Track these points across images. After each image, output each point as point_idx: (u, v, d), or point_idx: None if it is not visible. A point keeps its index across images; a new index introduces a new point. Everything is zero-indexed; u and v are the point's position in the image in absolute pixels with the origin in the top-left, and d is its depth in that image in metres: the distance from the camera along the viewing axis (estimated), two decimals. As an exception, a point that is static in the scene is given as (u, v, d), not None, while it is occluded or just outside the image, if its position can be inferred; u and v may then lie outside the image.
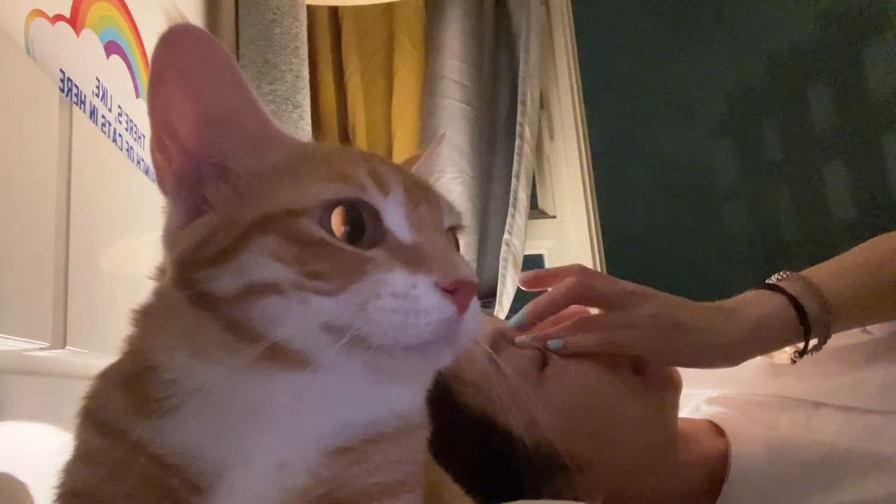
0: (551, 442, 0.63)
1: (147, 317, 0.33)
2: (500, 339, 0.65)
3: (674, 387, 0.70)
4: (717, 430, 0.76)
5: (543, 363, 0.65)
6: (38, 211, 0.62)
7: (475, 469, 0.45)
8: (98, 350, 0.60)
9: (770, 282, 0.70)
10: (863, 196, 2.08)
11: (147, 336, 0.33)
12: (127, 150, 0.85)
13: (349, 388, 0.31)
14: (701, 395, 0.85)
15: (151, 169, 0.96)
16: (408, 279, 0.30)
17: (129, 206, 0.83)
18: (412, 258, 0.31)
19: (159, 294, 0.33)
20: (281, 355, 0.29)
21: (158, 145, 0.33)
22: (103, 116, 0.78)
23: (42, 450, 0.35)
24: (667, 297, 0.67)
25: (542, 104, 1.73)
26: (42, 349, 0.60)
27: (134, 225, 0.82)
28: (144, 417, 0.30)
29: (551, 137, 1.77)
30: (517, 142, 1.56)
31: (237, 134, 0.33)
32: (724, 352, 0.65)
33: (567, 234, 1.72)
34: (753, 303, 0.67)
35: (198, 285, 0.30)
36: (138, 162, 0.88)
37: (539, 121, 1.67)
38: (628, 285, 0.67)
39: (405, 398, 0.34)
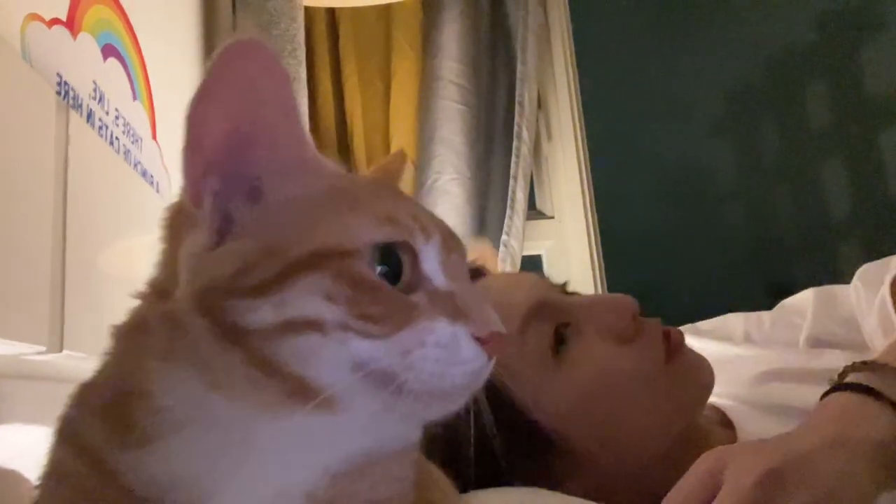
0: (548, 424, 0.63)
1: (138, 337, 0.31)
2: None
3: (701, 384, 0.68)
4: (725, 420, 0.75)
5: (561, 341, 0.65)
6: (35, 214, 0.62)
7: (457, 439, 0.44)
8: (95, 354, 0.60)
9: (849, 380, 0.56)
10: (860, 195, 2.08)
11: (138, 358, 0.31)
12: (124, 153, 0.85)
13: (366, 425, 0.31)
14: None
15: (148, 171, 0.96)
16: (450, 329, 0.31)
17: (125, 210, 0.83)
18: (451, 307, 0.32)
19: (162, 315, 0.30)
20: (306, 393, 0.29)
21: (192, 160, 0.31)
22: (100, 120, 0.78)
23: (39, 454, 0.35)
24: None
25: (540, 105, 1.73)
26: (39, 353, 0.60)
27: (131, 228, 0.82)
28: (123, 447, 0.29)
29: (549, 138, 1.77)
30: (515, 143, 1.56)
31: (276, 157, 0.32)
32: None
33: (565, 235, 1.72)
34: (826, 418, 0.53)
35: (228, 315, 0.29)
36: (135, 165, 0.88)
37: (537, 122, 1.68)
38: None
39: (416, 430, 0.35)
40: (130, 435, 0.29)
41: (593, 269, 1.70)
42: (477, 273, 0.73)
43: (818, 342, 0.83)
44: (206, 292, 0.29)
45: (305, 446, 0.30)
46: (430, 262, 0.33)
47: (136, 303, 0.34)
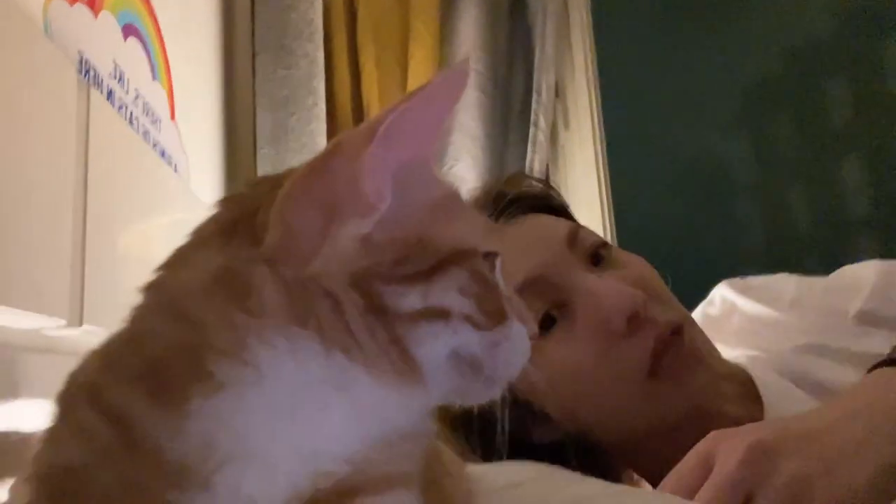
0: (520, 393, 0.61)
1: (224, 293, 0.31)
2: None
3: (685, 406, 0.63)
4: (752, 393, 0.70)
5: (550, 321, 0.64)
6: (56, 190, 0.63)
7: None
8: (115, 329, 0.61)
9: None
10: (878, 192, 2.06)
11: (219, 315, 0.31)
12: (143, 133, 0.85)
13: (428, 404, 0.35)
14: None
15: (167, 152, 0.97)
16: (521, 328, 0.37)
17: (145, 189, 0.84)
18: (517, 309, 0.37)
19: (288, 280, 0.31)
20: (410, 373, 0.32)
21: (389, 154, 0.33)
22: (120, 98, 0.79)
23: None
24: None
25: (558, 93, 1.72)
26: (59, 327, 0.61)
27: (150, 207, 0.83)
28: (169, 408, 0.30)
29: (566, 127, 1.76)
30: (531, 130, 1.55)
31: (420, 157, 0.36)
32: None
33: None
34: (862, 391, 0.52)
35: (380, 296, 0.32)
36: (154, 145, 0.89)
37: (554, 110, 1.67)
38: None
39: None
40: (188, 389, 0.30)
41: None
42: None
43: (871, 319, 0.76)
44: (363, 273, 0.32)
45: (377, 417, 0.33)
46: (498, 269, 0.38)
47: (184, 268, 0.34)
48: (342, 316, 0.31)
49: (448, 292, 0.33)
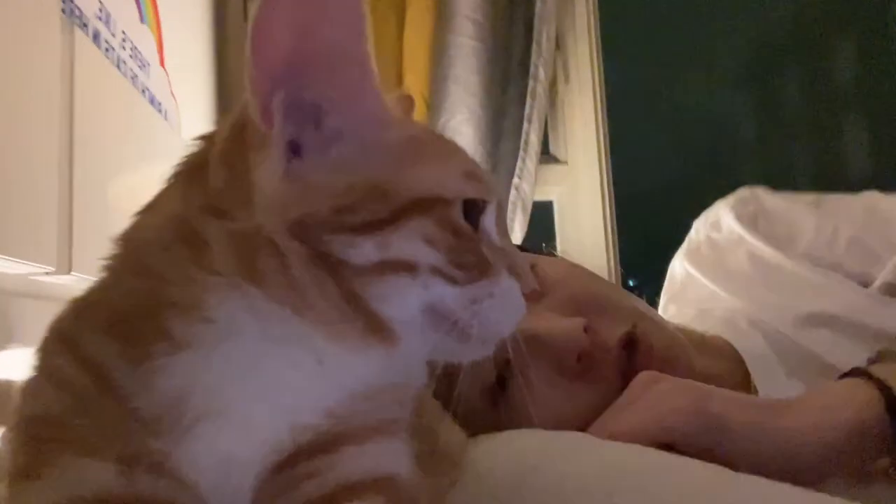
0: None
1: (185, 250, 0.30)
2: None
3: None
4: (741, 378, 0.65)
5: (503, 382, 0.57)
6: (41, 135, 0.61)
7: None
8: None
9: (861, 366, 0.52)
10: (882, 151, 2.04)
11: (178, 271, 0.30)
12: (131, 77, 0.83)
13: (409, 360, 0.33)
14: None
15: (156, 98, 0.94)
16: (511, 283, 0.34)
17: (134, 135, 0.82)
18: (509, 263, 0.34)
19: (233, 233, 0.29)
20: (375, 329, 0.30)
21: (258, 70, 0.30)
22: (106, 41, 0.76)
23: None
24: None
25: (558, 45, 1.68)
26: (48, 273, 0.61)
27: (139, 153, 0.81)
28: (138, 361, 0.29)
29: (566, 80, 1.73)
30: (530, 83, 1.52)
31: (346, 85, 0.32)
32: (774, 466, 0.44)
33: (577, 182, 1.69)
34: (825, 394, 0.50)
35: (325, 247, 0.29)
36: (143, 91, 0.86)
37: (554, 63, 1.63)
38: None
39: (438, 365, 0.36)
40: (153, 346, 0.29)
41: (604, 218, 1.69)
42: None
43: None
44: (302, 223, 0.29)
45: (349, 373, 0.31)
46: (490, 218, 0.35)
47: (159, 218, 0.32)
48: (287, 269, 0.29)
49: (411, 243, 0.30)
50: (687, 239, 0.90)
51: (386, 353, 0.31)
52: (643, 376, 0.54)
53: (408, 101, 0.46)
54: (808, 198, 0.80)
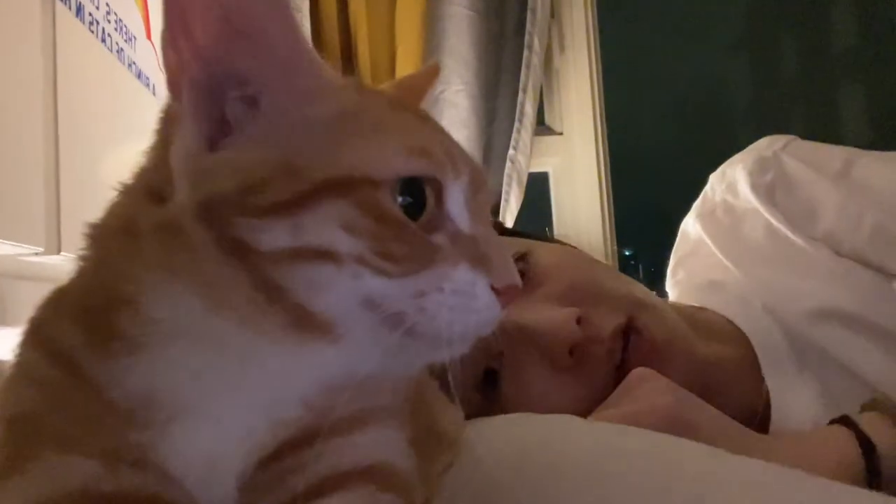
0: None
1: (126, 241, 0.29)
2: None
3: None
4: (750, 369, 0.63)
5: (494, 376, 0.57)
6: (24, 113, 0.60)
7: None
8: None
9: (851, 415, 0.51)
10: (880, 119, 2.03)
11: (125, 264, 0.28)
12: (117, 51, 0.81)
13: (361, 358, 0.29)
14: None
15: (143, 73, 0.92)
16: (469, 276, 0.29)
17: (120, 111, 0.81)
18: (473, 253, 0.30)
19: (157, 222, 0.28)
20: (308, 324, 0.27)
21: (171, 43, 0.28)
22: (90, 14, 0.75)
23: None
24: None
25: (553, 14, 1.65)
26: (37, 254, 0.60)
27: (126, 130, 0.80)
28: (103, 356, 0.28)
29: (561, 50, 1.70)
30: (525, 53, 1.50)
31: (274, 58, 0.29)
32: None
33: (573, 152, 1.68)
34: (804, 443, 0.50)
35: (234, 231, 0.27)
36: (129, 65, 0.85)
37: (549, 32, 1.60)
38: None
39: (418, 365, 0.34)
40: (112, 343, 0.28)
41: (600, 189, 1.68)
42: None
43: None
44: (209, 204, 0.27)
45: (307, 368, 0.29)
46: (456, 201, 0.31)
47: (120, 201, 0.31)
48: (197, 260, 0.27)
49: (326, 228, 0.27)
50: (702, 196, 0.82)
51: (333, 348, 0.28)
52: (634, 374, 0.54)
53: (433, 72, 0.43)
54: (838, 159, 0.71)
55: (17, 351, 0.30)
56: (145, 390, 0.28)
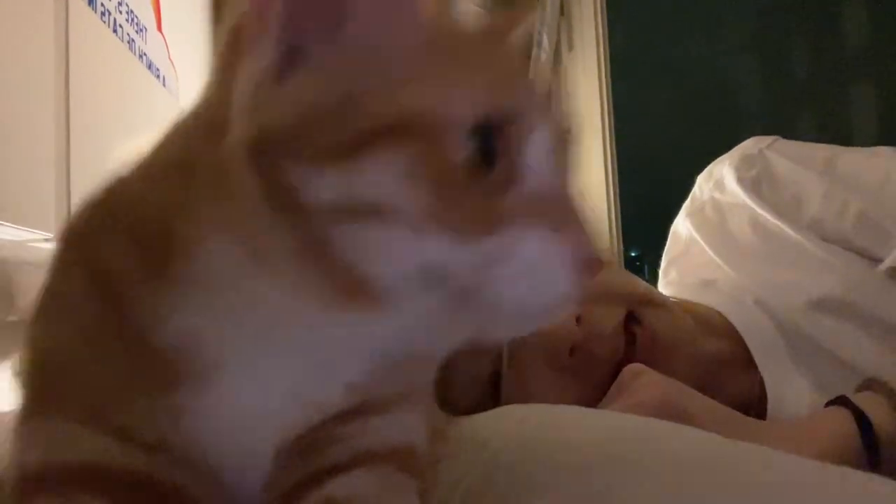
0: None
1: (182, 178, 0.25)
2: None
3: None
4: (745, 363, 0.64)
5: (497, 378, 0.56)
6: (36, 102, 0.61)
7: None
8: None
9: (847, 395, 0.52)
10: (891, 118, 2.01)
11: (180, 199, 0.25)
12: (128, 42, 0.82)
13: (414, 332, 0.26)
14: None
15: (154, 64, 0.93)
16: (545, 246, 0.25)
17: (131, 101, 0.81)
18: (551, 217, 0.25)
19: (211, 165, 0.24)
20: (358, 290, 0.24)
21: None
22: (102, 5, 0.75)
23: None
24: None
25: (563, 11, 1.65)
26: (47, 240, 0.61)
27: (136, 120, 0.81)
28: (154, 286, 0.25)
29: (570, 48, 1.70)
30: (533, 50, 1.50)
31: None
32: None
33: (580, 152, 1.68)
34: (799, 427, 0.51)
35: (285, 178, 0.23)
36: (140, 56, 0.85)
37: (558, 29, 1.60)
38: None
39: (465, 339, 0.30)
40: (167, 271, 0.25)
41: (607, 189, 1.68)
42: None
43: None
44: (262, 145, 0.23)
45: (349, 341, 0.26)
46: (538, 153, 0.26)
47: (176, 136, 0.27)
48: (241, 205, 0.23)
49: (383, 178, 0.23)
50: (690, 196, 0.84)
51: (384, 319, 0.25)
52: (627, 371, 0.53)
53: (528, 37, 0.39)
54: (821, 154, 0.73)
55: (52, 265, 0.27)
56: (192, 332, 0.25)
